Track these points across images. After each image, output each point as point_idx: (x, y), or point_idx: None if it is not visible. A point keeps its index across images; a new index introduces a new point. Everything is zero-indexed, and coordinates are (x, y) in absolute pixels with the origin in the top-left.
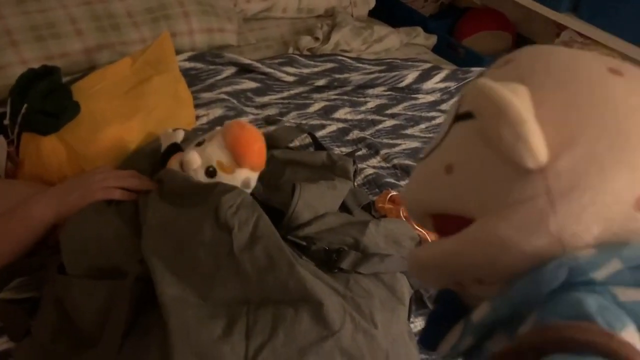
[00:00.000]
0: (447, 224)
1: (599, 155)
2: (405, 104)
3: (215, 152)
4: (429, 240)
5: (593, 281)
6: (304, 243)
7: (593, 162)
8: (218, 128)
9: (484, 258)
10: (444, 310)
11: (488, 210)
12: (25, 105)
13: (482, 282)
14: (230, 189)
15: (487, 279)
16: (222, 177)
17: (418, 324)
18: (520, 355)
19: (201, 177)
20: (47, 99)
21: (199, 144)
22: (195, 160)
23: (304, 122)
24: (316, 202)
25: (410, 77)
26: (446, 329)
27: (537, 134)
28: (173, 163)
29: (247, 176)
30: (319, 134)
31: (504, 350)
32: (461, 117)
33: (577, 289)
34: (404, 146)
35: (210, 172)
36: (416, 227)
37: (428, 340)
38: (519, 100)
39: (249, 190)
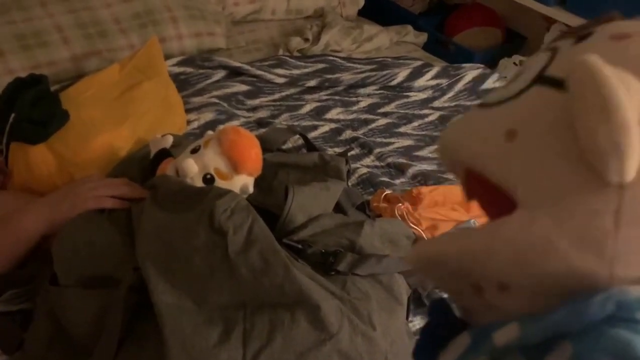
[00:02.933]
0: (482, 189)
1: None
2: (397, 102)
3: (213, 159)
4: (425, 238)
5: (635, 319)
6: (300, 246)
7: None
8: (211, 133)
9: (521, 260)
10: (438, 323)
11: (539, 202)
12: (12, 115)
13: (506, 289)
14: (224, 192)
15: (516, 285)
16: (220, 184)
17: (417, 322)
18: None
19: (198, 185)
20: (35, 107)
21: (195, 151)
22: (191, 168)
23: (296, 123)
24: (310, 204)
25: (402, 75)
26: (441, 342)
27: (636, 149)
28: (166, 168)
29: (244, 182)
30: (312, 134)
31: None
32: (549, 81)
33: (618, 324)
34: (397, 144)
35: (208, 179)
36: (411, 225)
37: (423, 354)
38: (630, 101)
39: (246, 196)
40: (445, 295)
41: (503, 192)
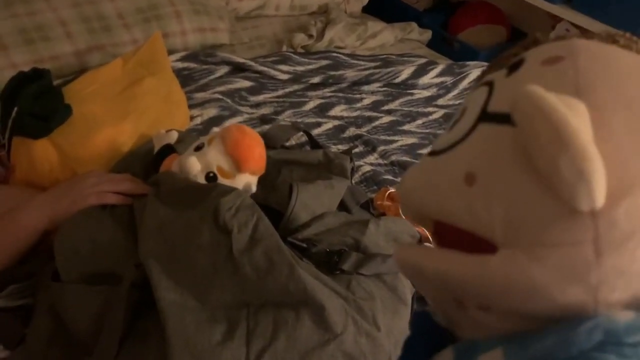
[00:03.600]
0: (452, 234)
1: None
2: (402, 99)
3: (215, 158)
4: (430, 238)
5: (623, 343)
6: (304, 245)
7: None
8: (216, 130)
9: (503, 293)
10: (420, 335)
11: (517, 242)
12: (15, 109)
13: (489, 310)
14: (229, 190)
15: (498, 310)
16: (223, 183)
17: None
18: None
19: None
20: (37, 102)
21: (198, 149)
22: (194, 166)
23: (299, 120)
24: (314, 202)
25: (406, 72)
26: (425, 354)
27: (601, 174)
28: (169, 165)
29: (247, 181)
30: (315, 132)
31: None
32: (493, 117)
33: (607, 349)
34: (401, 142)
35: (211, 177)
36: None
37: None
38: (582, 124)
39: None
40: (427, 308)
41: (477, 237)
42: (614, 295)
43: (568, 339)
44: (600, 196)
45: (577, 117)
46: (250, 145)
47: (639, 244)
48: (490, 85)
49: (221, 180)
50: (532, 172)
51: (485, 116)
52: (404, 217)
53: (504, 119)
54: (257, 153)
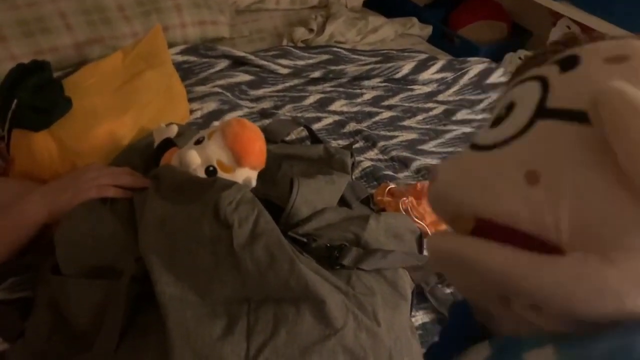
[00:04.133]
0: (500, 232)
1: None
2: (402, 95)
3: (215, 152)
4: (429, 233)
5: None
6: (305, 240)
7: None
8: (216, 124)
9: (569, 297)
10: (458, 326)
11: (589, 245)
12: (15, 101)
13: (540, 311)
14: (230, 184)
15: (554, 311)
16: (223, 177)
17: (419, 317)
18: None
19: (201, 176)
20: (37, 94)
21: (198, 142)
22: (194, 159)
23: (299, 114)
24: (315, 197)
25: (406, 68)
26: (459, 346)
27: None
28: (170, 159)
29: (247, 175)
30: (315, 126)
31: None
32: (555, 114)
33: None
34: (401, 138)
35: (211, 171)
36: (415, 219)
37: (440, 356)
38: None
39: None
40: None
41: (533, 238)
42: None
43: (631, 344)
44: None
45: None
46: (251, 139)
47: None
48: (543, 80)
49: (221, 174)
50: (606, 172)
51: (545, 112)
52: (406, 214)
53: (569, 115)
54: (257, 147)
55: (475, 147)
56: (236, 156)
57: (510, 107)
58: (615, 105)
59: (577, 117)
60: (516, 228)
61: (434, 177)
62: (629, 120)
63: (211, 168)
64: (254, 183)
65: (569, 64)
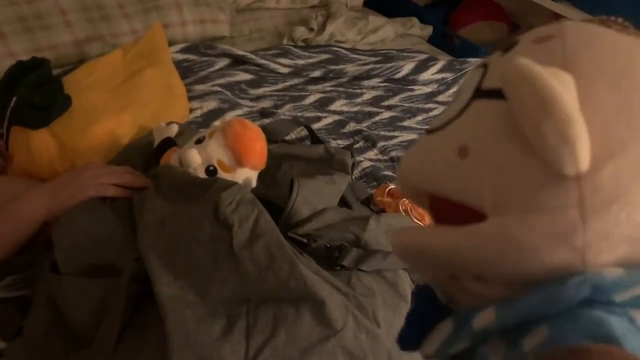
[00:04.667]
0: (449, 210)
1: None
2: (402, 95)
3: (216, 151)
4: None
5: (612, 302)
6: (305, 240)
7: (635, 175)
8: (216, 123)
9: (495, 259)
10: (423, 309)
11: (507, 209)
12: (14, 99)
13: (483, 280)
14: (230, 184)
15: (492, 278)
16: (223, 177)
17: None
18: None
19: (201, 176)
20: (36, 92)
21: (199, 141)
22: (195, 158)
23: (299, 114)
24: (315, 197)
25: (407, 68)
26: (426, 328)
27: (584, 138)
28: (170, 158)
29: (248, 176)
30: (315, 126)
31: None
32: (486, 93)
33: (595, 307)
34: (401, 138)
35: (211, 171)
36: (416, 220)
37: (408, 340)
38: (566, 92)
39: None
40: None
41: (468, 208)
42: (600, 257)
43: (556, 294)
44: (584, 160)
45: (562, 85)
46: (252, 139)
47: (623, 208)
48: (485, 66)
49: (221, 174)
50: (520, 142)
51: (479, 93)
52: (406, 214)
53: (496, 94)
54: (258, 147)
55: (428, 131)
56: (237, 156)
57: (459, 94)
58: (514, 78)
59: (498, 94)
60: (452, 200)
61: (399, 163)
62: (524, 91)
63: (211, 168)
64: (254, 183)
65: (508, 47)
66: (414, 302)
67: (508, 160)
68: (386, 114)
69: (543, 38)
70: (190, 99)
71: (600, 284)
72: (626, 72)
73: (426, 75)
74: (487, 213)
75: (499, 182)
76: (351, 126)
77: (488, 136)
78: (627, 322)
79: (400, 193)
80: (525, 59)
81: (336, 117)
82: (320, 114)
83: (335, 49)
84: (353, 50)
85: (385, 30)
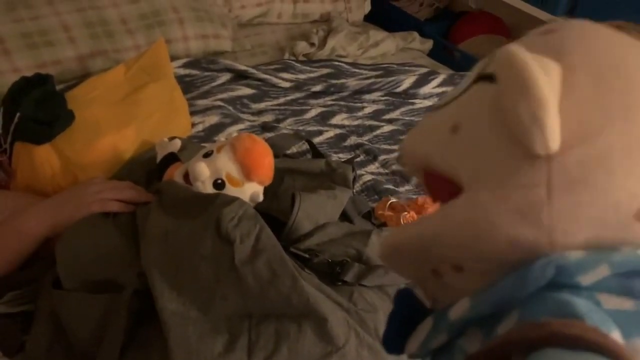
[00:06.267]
0: (437, 184)
1: (613, 158)
2: (403, 109)
3: (225, 165)
4: None
5: (578, 285)
6: (307, 255)
7: (604, 163)
8: (219, 138)
9: (468, 239)
10: (404, 311)
11: (480, 183)
12: (18, 114)
13: (461, 270)
14: (232, 200)
15: (468, 265)
16: (231, 191)
17: None
18: (503, 353)
19: (209, 189)
20: (40, 107)
21: (207, 155)
22: (203, 171)
23: (301, 128)
24: (316, 212)
25: (407, 82)
26: (409, 330)
27: (554, 120)
28: (174, 174)
29: (255, 190)
30: (316, 140)
31: (486, 349)
32: (484, 77)
33: (562, 290)
34: None
35: (219, 184)
36: None
37: (391, 342)
38: (546, 79)
39: (255, 204)
40: (408, 285)
41: (450, 181)
42: (566, 238)
43: (523, 277)
44: (553, 141)
45: (546, 73)
46: (261, 154)
47: (587, 190)
48: (492, 55)
49: (229, 187)
50: (500, 121)
51: (480, 77)
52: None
53: (492, 78)
54: (267, 162)
55: (432, 108)
56: (246, 170)
57: (466, 78)
58: (502, 62)
59: (493, 78)
60: (442, 174)
61: (404, 140)
62: (507, 74)
63: (219, 181)
64: (261, 197)
65: (517, 41)
66: (394, 304)
67: (487, 138)
68: (387, 128)
69: (547, 31)
70: (193, 113)
71: (565, 265)
72: (613, 67)
73: (427, 89)
74: (462, 186)
75: (477, 157)
76: (352, 140)
77: (477, 114)
78: (592, 304)
79: (401, 166)
80: (516, 45)
81: (337, 131)
82: (321, 128)
83: (336, 63)
84: (354, 64)
85: (386, 45)
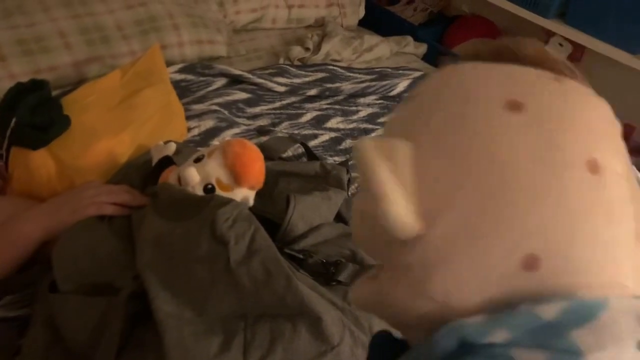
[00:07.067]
0: None
1: (471, 220)
2: None
3: (215, 170)
4: None
5: (493, 344)
6: (301, 256)
7: (464, 228)
8: (215, 142)
9: (386, 312)
10: (382, 349)
11: (385, 265)
12: (14, 120)
13: (410, 327)
14: (226, 201)
15: (403, 328)
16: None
17: None
18: None
19: (199, 194)
20: (36, 112)
21: (198, 160)
22: (193, 177)
23: (296, 132)
24: (311, 213)
25: (402, 85)
26: None
27: (399, 207)
28: (168, 177)
29: (245, 195)
30: (312, 143)
31: None
32: None
33: (478, 351)
34: None
35: (209, 189)
36: None
37: None
38: (386, 170)
39: None
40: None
41: None
42: (463, 304)
43: (429, 347)
44: (407, 225)
45: (393, 158)
46: (251, 159)
47: (463, 259)
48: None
49: (219, 192)
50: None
51: None
52: None
53: None
54: (257, 168)
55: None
56: (235, 176)
57: None
58: (356, 159)
59: None
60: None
61: None
62: (360, 172)
63: (209, 186)
64: (251, 202)
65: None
66: (370, 349)
67: (375, 226)
68: (382, 131)
69: (412, 96)
70: (188, 118)
71: (465, 333)
72: (457, 125)
73: None
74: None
75: (374, 244)
76: (347, 143)
77: (366, 206)
78: None
79: None
80: (367, 138)
81: (332, 135)
82: (316, 132)
83: (331, 67)
84: (349, 68)
85: (381, 49)
